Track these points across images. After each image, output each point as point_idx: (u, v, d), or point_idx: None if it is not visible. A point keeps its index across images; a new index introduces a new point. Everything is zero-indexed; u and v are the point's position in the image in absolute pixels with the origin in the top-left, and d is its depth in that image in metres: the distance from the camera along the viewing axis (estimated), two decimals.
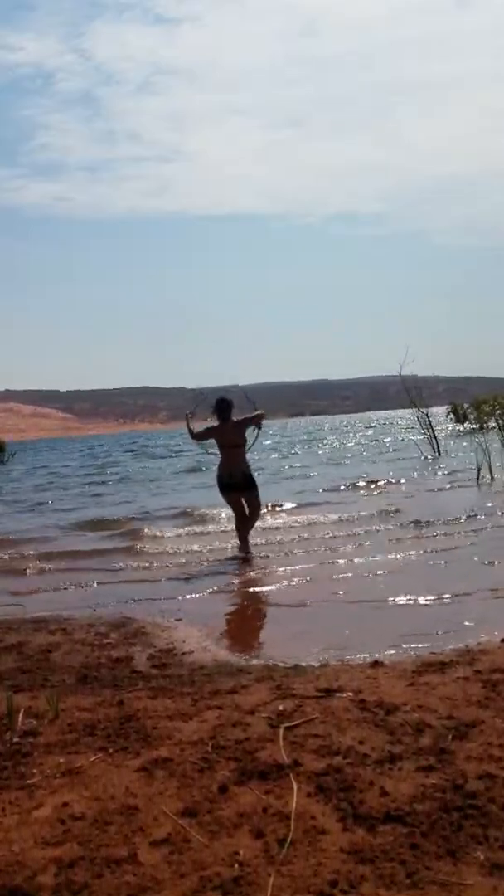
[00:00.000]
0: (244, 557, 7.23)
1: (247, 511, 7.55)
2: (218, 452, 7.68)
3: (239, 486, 7.51)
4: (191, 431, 7.69)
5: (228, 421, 7.52)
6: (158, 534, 8.99)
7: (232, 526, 7.84)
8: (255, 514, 7.59)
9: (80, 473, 24.11)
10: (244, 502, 7.54)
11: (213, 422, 7.63)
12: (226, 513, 8.65)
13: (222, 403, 7.55)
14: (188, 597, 5.94)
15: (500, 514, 8.63)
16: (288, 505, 10.89)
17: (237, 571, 6.65)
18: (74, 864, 1.80)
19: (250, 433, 7.68)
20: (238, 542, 7.53)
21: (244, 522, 7.53)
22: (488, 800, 2.00)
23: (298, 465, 20.30)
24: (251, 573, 6.49)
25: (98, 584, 6.51)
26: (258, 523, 7.89)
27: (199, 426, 7.74)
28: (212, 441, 7.75)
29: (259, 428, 7.67)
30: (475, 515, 8.59)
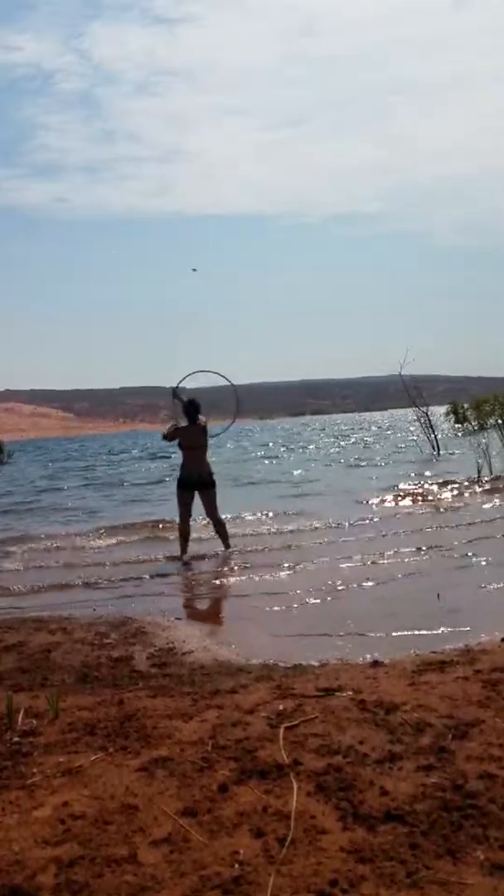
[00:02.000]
0: (225, 553, 7.44)
1: (204, 510, 7.64)
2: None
3: (200, 485, 7.60)
4: (164, 435, 7.82)
5: (196, 423, 7.65)
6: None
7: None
8: (215, 509, 7.66)
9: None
10: (202, 500, 7.61)
11: (182, 422, 7.72)
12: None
13: (193, 406, 7.67)
14: (188, 597, 5.95)
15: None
16: (293, 506, 10.90)
17: (235, 572, 6.65)
18: (74, 863, 1.80)
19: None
20: (180, 544, 7.58)
21: (188, 521, 7.63)
22: (488, 799, 2.00)
23: (316, 465, 20.30)
24: (251, 573, 6.49)
25: (97, 584, 6.51)
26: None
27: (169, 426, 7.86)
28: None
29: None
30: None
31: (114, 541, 8.82)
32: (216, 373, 8.40)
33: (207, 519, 7.76)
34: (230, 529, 7.99)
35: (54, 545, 8.73)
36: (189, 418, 7.64)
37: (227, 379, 8.35)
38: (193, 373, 8.30)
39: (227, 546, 7.60)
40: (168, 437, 7.75)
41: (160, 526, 9.39)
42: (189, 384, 8.27)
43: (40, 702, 3.02)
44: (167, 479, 16.65)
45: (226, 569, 6.80)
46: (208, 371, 8.39)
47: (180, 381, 8.18)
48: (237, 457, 26.39)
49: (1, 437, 38.21)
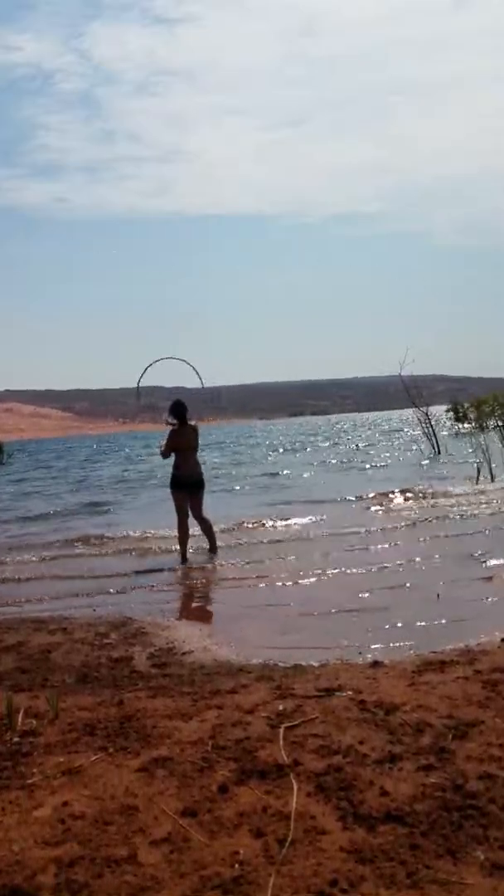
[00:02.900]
0: (210, 555, 7.44)
1: (191, 510, 7.58)
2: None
3: (194, 486, 7.59)
4: (162, 453, 7.72)
5: (187, 423, 7.64)
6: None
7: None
8: (201, 509, 7.64)
9: None
10: (190, 500, 7.57)
11: (171, 423, 7.67)
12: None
13: (182, 407, 7.65)
14: (187, 598, 5.94)
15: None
16: (292, 510, 10.89)
17: (234, 573, 6.65)
18: (74, 863, 1.80)
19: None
20: (178, 546, 7.53)
21: (187, 524, 7.58)
22: (488, 800, 2.00)
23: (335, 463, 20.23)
24: (250, 575, 6.49)
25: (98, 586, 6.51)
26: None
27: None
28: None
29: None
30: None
31: (106, 547, 8.67)
32: (182, 360, 8.23)
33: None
34: (233, 536, 7.99)
35: (51, 552, 8.55)
36: (179, 420, 7.61)
37: (193, 368, 8.17)
38: (158, 360, 8.20)
39: (213, 545, 7.59)
40: (167, 449, 7.64)
41: (153, 534, 9.13)
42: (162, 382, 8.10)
43: (40, 702, 3.02)
44: (150, 482, 16.47)
45: (225, 570, 6.80)
46: (173, 358, 8.19)
47: (143, 374, 8.06)
48: (235, 459, 26.38)
49: (0, 438, 38.12)
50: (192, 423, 7.71)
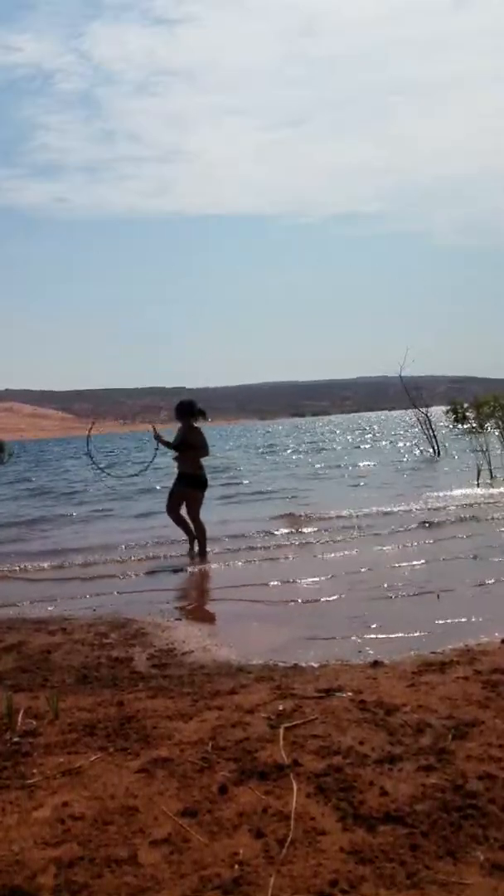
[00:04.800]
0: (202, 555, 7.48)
1: (189, 510, 7.62)
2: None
3: (204, 486, 7.67)
4: (172, 444, 7.66)
5: (198, 422, 7.70)
6: None
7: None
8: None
9: None
10: (189, 500, 7.63)
11: (179, 424, 7.68)
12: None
13: (197, 405, 7.66)
14: (187, 598, 5.94)
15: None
16: (292, 512, 10.89)
17: (234, 573, 6.65)
18: (74, 864, 1.80)
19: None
20: (200, 541, 7.57)
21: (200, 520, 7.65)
22: (488, 800, 2.00)
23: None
24: (251, 575, 6.49)
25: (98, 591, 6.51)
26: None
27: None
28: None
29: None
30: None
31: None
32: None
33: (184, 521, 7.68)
34: (226, 539, 8.04)
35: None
36: (203, 418, 7.64)
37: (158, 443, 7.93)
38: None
39: (203, 549, 7.56)
40: (186, 446, 7.53)
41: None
42: None
43: (40, 702, 3.03)
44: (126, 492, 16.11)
45: (223, 572, 6.80)
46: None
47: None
48: (236, 460, 26.37)
49: (0, 438, 38.06)
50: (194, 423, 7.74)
